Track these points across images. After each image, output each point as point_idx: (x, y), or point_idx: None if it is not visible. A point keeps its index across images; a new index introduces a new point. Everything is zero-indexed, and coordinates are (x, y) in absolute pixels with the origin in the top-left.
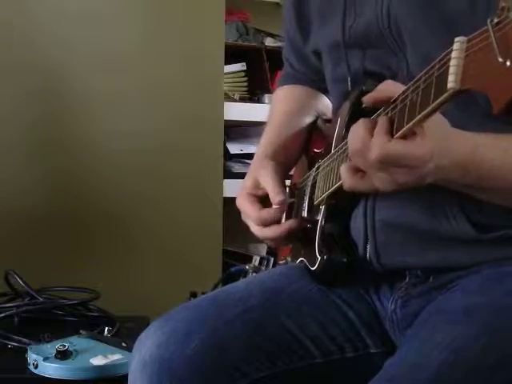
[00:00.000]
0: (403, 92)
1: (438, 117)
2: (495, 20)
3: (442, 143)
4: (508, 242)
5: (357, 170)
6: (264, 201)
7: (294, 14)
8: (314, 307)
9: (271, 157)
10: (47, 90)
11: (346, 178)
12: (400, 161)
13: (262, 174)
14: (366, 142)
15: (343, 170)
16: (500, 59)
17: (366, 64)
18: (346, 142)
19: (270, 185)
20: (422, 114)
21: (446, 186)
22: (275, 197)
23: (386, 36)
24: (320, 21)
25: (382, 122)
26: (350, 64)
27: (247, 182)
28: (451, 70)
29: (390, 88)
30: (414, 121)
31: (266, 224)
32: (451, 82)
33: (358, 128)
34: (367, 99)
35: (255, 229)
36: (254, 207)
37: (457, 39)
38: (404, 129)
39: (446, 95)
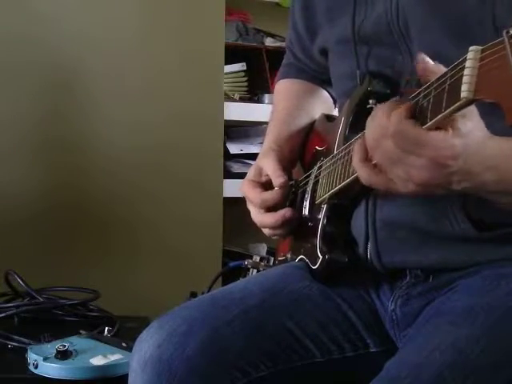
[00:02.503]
0: (413, 97)
1: (474, 115)
2: (511, 31)
3: (478, 142)
4: (508, 241)
5: (371, 162)
6: (267, 188)
7: (301, 16)
8: (313, 307)
9: (276, 149)
10: (48, 88)
11: (362, 172)
12: (421, 146)
13: (265, 162)
14: (384, 125)
15: (356, 162)
16: None
17: (369, 63)
18: (350, 144)
19: (271, 169)
20: (433, 120)
21: (474, 194)
22: (276, 179)
23: (394, 31)
24: (328, 20)
25: (406, 105)
26: (359, 59)
27: (251, 170)
28: (465, 79)
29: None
30: (423, 127)
31: (267, 205)
32: (465, 91)
33: (377, 113)
34: (420, 66)
35: (254, 215)
36: (256, 191)
37: (471, 48)
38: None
39: (458, 104)
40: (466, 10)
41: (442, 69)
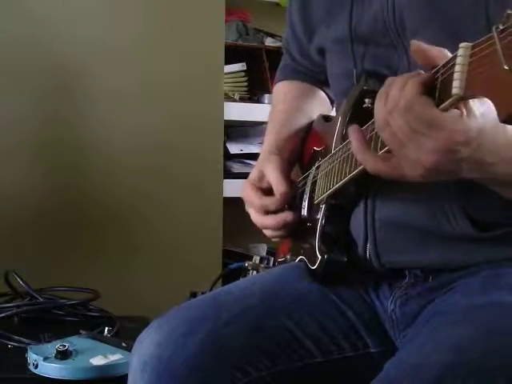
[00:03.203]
0: None
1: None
2: (500, 27)
3: (492, 127)
4: (508, 241)
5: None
6: (267, 193)
7: (299, 16)
8: (313, 307)
9: (276, 153)
10: (49, 90)
11: (369, 161)
12: (436, 129)
13: (268, 168)
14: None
15: (359, 152)
16: (505, 66)
17: (366, 62)
18: (347, 143)
19: (274, 177)
20: None
21: (481, 183)
22: (279, 188)
23: (390, 30)
24: (326, 19)
25: (422, 79)
26: (356, 59)
27: (253, 174)
28: (455, 75)
29: (442, 53)
30: None
31: (266, 211)
32: (455, 87)
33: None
34: (416, 47)
35: (255, 217)
36: (257, 194)
37: (461, 45)
38: None
39: (449, 101)
40: (461, 9)
41: (446, 52)
